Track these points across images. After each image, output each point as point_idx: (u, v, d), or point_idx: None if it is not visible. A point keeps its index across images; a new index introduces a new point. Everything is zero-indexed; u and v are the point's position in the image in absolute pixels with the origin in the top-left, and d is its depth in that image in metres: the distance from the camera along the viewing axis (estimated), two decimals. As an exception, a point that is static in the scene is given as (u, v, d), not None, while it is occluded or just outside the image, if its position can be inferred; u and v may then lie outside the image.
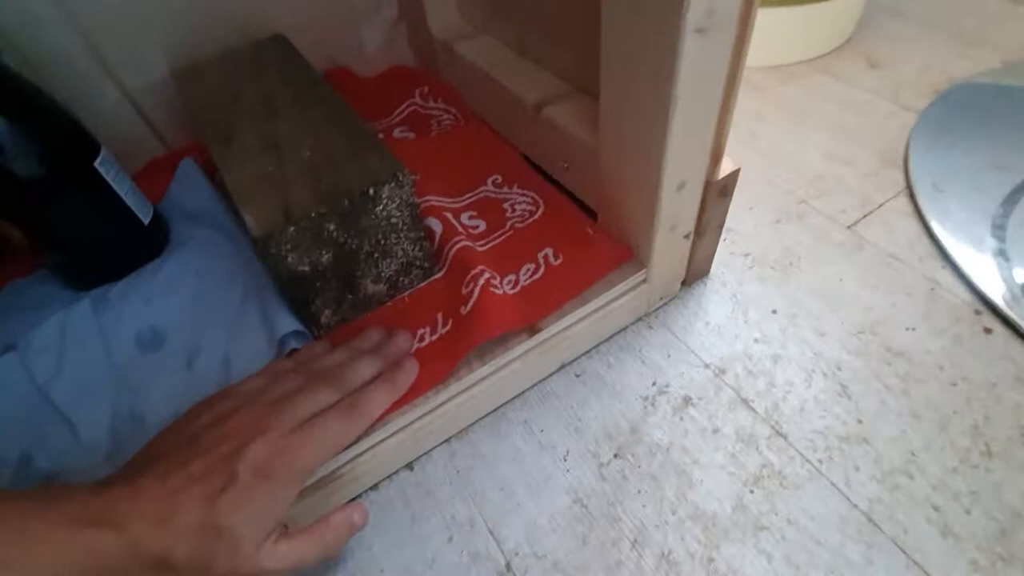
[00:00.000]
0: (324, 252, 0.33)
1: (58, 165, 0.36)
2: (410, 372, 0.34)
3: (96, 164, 0.38)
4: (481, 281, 0.37)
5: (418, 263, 0.38)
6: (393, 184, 0.33)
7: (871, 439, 0.35)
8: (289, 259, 0.32)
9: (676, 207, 0.35)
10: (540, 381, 0.39)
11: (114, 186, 0.39)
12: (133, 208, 0.41)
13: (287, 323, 0.35)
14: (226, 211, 0.44)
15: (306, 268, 0.33)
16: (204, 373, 0.36)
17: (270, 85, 0.43)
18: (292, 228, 0.31)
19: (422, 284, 0.40)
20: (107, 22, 0.45)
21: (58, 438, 0.33)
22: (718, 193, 0.36)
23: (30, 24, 0.42)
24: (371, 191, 0.33)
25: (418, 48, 0.59)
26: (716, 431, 0.36)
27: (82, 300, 0.39)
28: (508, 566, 0.32)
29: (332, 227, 0.33)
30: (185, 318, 0.39)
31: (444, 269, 0.40)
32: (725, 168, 0.35)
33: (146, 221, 0.42)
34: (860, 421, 0.35)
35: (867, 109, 0.58)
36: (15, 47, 0.41)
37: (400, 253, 0.37)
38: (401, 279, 0.38)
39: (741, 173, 0.36)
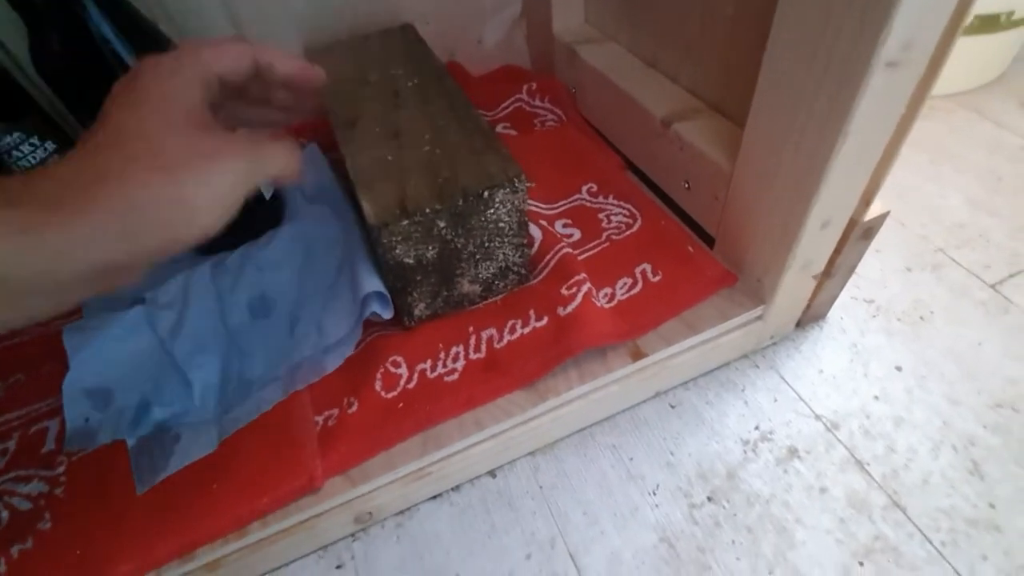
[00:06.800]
0: (431, 247, 0.33)
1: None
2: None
3: (232, 136, 0.40)
4: (585, 288, 0.36)
5: (515, 268, 0.38)
6: (508, 190, 0.33)
7: (1003, 528, 0.31)
8: (397, 249, 0.33)
9: (814, 246, 0.32)
10: (632, 406, 0.38)
11: (245, 159, 0.41)
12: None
13: (372, 284, 0.35)
14: (342, 191, 0.45)
15: (411, 260, 0.34)
16: (301, 339, 0.37)
17: (397, 73, 0.43)
18: (406, 221, 0.31)
19: (515, 289, 0.39)
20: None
21: (173, 392, 0.35)
22: (861, 235, 0.33)
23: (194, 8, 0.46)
24: (485, 193, 0.33)
25: (536, 47, 0.59)
26: (824, 491, 0.33)
27: (203, 264, 0.41)
28: (587, 595, 0.31)
29: (443, 224, 0.33)
30: (291, 289, 0.40)
31: (542, 275, 0.39)
32: (874, 210, 0.32)
33: (268, 196, 0.44)
34: (992, 506, 0.32)
35: (1019, 156, 0.53)
36: (172, 20, 0.44)
37: (501, 257, 0.37)
38: (496, 283, 0.38)
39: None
